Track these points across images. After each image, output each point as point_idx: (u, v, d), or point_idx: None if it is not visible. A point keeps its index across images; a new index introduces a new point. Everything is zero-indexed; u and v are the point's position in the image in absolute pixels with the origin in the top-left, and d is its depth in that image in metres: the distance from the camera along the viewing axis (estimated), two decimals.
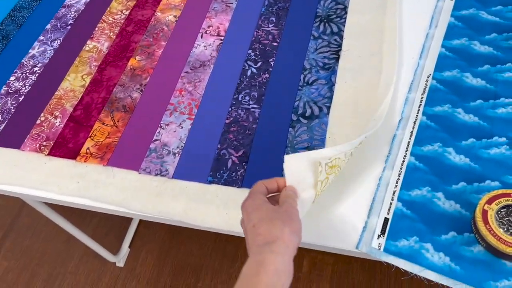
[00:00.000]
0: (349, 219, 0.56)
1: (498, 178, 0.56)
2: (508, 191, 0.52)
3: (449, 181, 0.57)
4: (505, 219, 0.52)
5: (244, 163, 0.61)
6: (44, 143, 0.65)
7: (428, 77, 0.66)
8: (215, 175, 0.60)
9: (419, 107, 0.64)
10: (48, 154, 0.64)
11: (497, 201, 0.51)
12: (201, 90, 0.69)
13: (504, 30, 0.70)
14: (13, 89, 0.72)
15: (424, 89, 0.65)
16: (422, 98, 0.64)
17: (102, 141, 0.65)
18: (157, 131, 0.66)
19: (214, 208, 0.58)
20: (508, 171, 0.56)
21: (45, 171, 0.63)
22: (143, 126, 0.66)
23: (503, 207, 0.51)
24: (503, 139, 0.59)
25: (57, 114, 0.69)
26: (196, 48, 0.75)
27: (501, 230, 0.50)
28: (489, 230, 0.49)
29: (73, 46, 0.77)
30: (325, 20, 0.76)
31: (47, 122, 0.68)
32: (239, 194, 0.58)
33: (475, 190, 0.55)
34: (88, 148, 0.64)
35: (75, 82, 0.72)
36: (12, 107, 0.70)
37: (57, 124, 0.68)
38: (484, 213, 0.51)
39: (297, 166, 0.48)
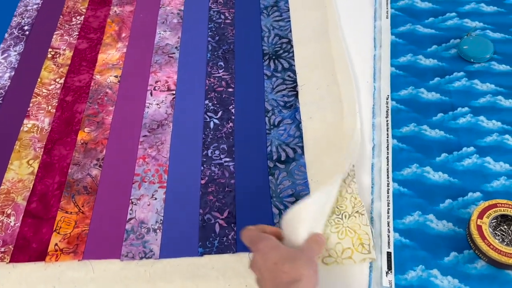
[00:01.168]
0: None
1: (478, 189, 0.58)
2: (494, 202, 0.54)
3: (435, 201, 0.58)
4: (497, 229, 0.54)
5: (232, 225, 0.58)
6: (3, 249, 0.58)
7: (387, 99, 0.68)
8: (205, 245, 0.57)
9: (387, 131, 0.65)
10: (11, 261, 0.57)
11: (487, 213, 0.53)
12: (165, 153, 0.65)
13: (442, 41, 0.74)
14: None
15: (387, 111, 0.67)
16: (387, 121, 0.66)
17: (70, 233, 0.59)
18: (129, 208, 0.60)
19: (213, 281, 0.54)
20: (485, 179, 0.59)
21: (11, 282, 0.55)
22: (112, 205, 0.61)
23: (493, 219, 0.53)
24: (471, 148, 0.62)
25: (9, 211, 0.61)
26: (148, 107, 0.71)
27: (497, 241, 0.52)
28: (489, 245, 0.51)
29: (8, 129, 0.70)
30: (274, 57, 0.75)
31: (0, 224, 0.60)
32: (237, 260, 0.55)
33: (462, 205, 0.57)
34: (56, 244, 0.58)
35: (21, 170, 0.65)
36: None
37: (12, 224, 0.60)
38: (479, 228, 0.52)
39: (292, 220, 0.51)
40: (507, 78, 0.68)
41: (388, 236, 0.55)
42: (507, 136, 0.62)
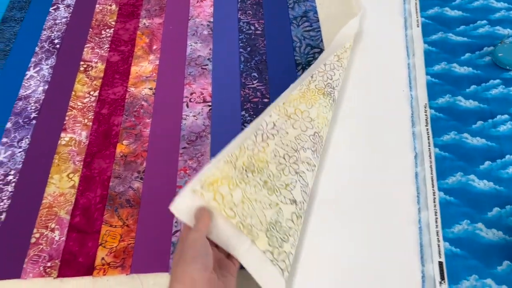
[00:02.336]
0: (402, 271, 0.54)
1: None
2: None
3: (483, 209, 0.58)
4: None
5: None
6: (49, 264, 0.57)
7: (425, 108, 0.68)
8: None
9: (428, 139, 0.65)
10: (58, 276, 0.56)
11: None
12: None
13: (475, 49, 0.74)
14: None
15: (426, 120, 0.67)
16: (427, 130, 0.66)
17: (116, 247, 0.58)
18: (174, 220, 0.60)
19: None
20: None
21: None
22: (156, 218, 0.61)
23: None
24: None
25: (53, 226, 0.61)
26: (185, 119, 0.71)
27: None
28: None
29: (45, 142, 0.69)
30: (307, 67, 0.75)
31: (45, 238, 0.60)
32: None
33: (510, 213, 0.57)
34: (103, 258, 0.57)
35: (61, 184, 0.65)
36: None
37: (57, 238, 0.60)
38: None
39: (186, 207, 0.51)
40: None
41: (438, 246, 0.55)
42: None
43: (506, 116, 0.66)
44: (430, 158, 0.63)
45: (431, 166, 0.62)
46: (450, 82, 0.71)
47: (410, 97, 0.70)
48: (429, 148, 0.64)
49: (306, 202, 0.56)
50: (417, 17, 0.80)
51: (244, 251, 0.50)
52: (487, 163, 0.61)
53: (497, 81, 0.70)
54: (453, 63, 0.73)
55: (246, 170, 0.55)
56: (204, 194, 0.50)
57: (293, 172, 0.56)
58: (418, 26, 0.79)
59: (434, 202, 0.59)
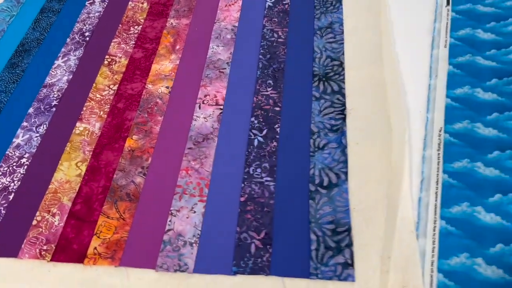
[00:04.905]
0: None
1: None
2: None
3: (485, 244, 0.54)
4: None
5: (268, 246, 0.57)
6: (45, 247, 0.59)
7: (440, 131, 0.65)
8: (239, 264, 0.56)
9: (438, 164, 0.62)
10: (52, 260, 0.58)
11: None
12: (208, 167, 0.66)
13: (503, 75, 0.70)
14: (0, 186, 0.66)
15: (439, 144, 0.64)
16: (439, 154, 0.63)
17: (109, 238, 0.60)
18: (169, 219, 0.61)
19: None
20: None
21: (51, 280, 0.57)
22: (152, 215, 0.61)
23: None
24: None
25: (54, 211, 0.63)
26: (195, 120, 0.71)
27: None
28: None
29: (61, 130, 0.72)
30: (324, 79, 0.74)
31: (45, 222, 0.62)
32: (268, 283, 0.54)
33: None
34: (95, 248, 0.59)
35: (69, 171, 0.67)
36: (2, 208, 0.64)
37: (56, 223, 0.62)
38: None
39: None
40: None
41: (431, 276, 0.53)
42: None
43: None
44: (437, 184, 0.60)
45: (436, 193, 0.59)
46: (471, 107, 0.67)
47: (426, 119, 0.67)
48: (437, 174, 0.61)
49: None
50: (446, 37, 0.77)
51: None
52: (497, 196, 0.58)
53: None
54: (477, 88, 0.69)
55: None
56: None
57: None
58: (445, 47, 0.76)
59: (434, 230, 0.56)
